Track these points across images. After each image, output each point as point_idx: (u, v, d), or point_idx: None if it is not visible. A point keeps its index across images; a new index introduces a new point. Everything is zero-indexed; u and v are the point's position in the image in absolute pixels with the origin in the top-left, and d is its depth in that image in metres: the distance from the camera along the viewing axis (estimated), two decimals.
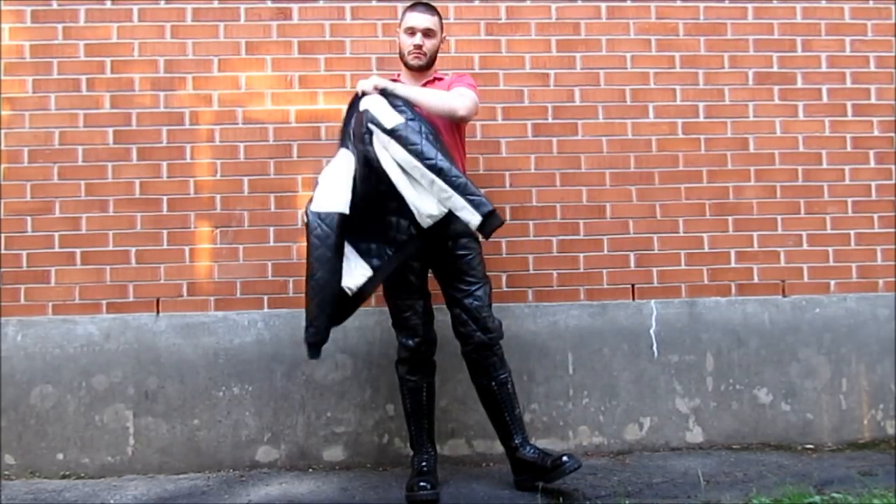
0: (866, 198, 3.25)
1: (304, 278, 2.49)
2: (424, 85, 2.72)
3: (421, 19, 2.69)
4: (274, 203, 3.10)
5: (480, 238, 2.60)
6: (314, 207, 2.50)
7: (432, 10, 2.74)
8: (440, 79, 2.75)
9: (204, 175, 3.10)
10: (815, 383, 3.16)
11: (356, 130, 2.56)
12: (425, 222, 2.48)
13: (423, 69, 2.72)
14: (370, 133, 2.51)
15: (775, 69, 3.26)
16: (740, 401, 3.14)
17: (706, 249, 3.20)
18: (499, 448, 2.74)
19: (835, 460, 2.93)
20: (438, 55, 2.78)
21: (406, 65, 2.72)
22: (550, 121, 3.19)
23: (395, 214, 2.53)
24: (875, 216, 3.25)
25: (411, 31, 2.69)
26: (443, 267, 2.66)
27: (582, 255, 3.17)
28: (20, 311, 3.02)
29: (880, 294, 3.23)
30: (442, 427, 2.96)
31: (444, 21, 2.78)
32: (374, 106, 2.53)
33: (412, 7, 2.74)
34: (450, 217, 2.48)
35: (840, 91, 3.27)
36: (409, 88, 2.61)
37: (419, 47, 2.68)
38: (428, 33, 2.69)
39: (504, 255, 3.14)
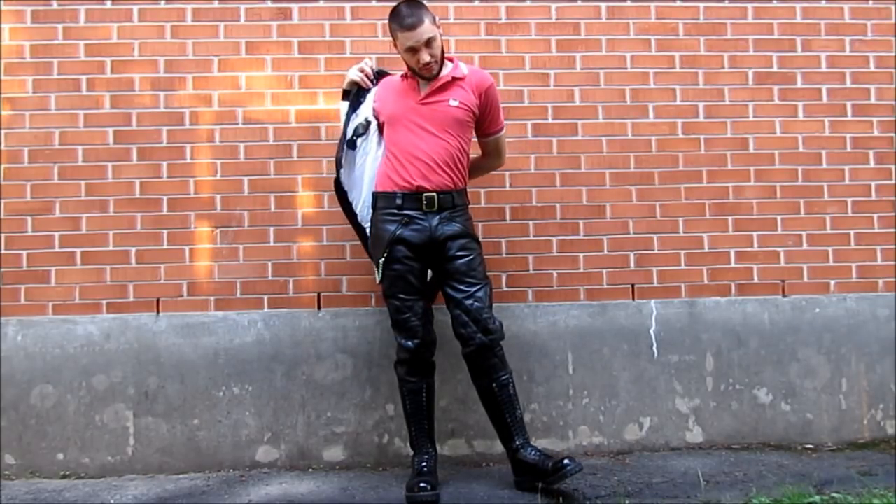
0: (866, 198, 3.25)
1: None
2: (441, 88, 2.61)
3: (417, 34, 2.49)
4: (274, 203, 3.10)
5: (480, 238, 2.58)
6: None
7: (419, 12, 2.52)
8: (460, 78, 2.63)
9: (204, 175, 3.10)
10: (815, 383, 3.16)
11: None
12: None
13: (438, 73, 2.64)
14: None
15: (775, 69, 3.26)
16: (740, 401, 3.14)
17: (706, 249, 3.20)
18: (499, 448, 2.74)
19: (834, 460, 2.93)
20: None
21: (422, 78, 2.63)
22: (550, 121, 3.19)
23: None
24: (875, 216, 3.25)
25: (413, 51, 2.53)
26: (443, 268, 2.64)
27: (582, 255, 3.16)
28: (20, 311, 3.02)
29: (880, 294, 3.22)
30: (442, 427, 2.96)
31: (440, 19, 2.71)
32: None
33: (399, 22, 2.53)
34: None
35: (840, 91, 3.27)
36: None
37: (427, 63, 2.56)
38: (429, 43, 2.53)
39: (504, 255, 3.14)
